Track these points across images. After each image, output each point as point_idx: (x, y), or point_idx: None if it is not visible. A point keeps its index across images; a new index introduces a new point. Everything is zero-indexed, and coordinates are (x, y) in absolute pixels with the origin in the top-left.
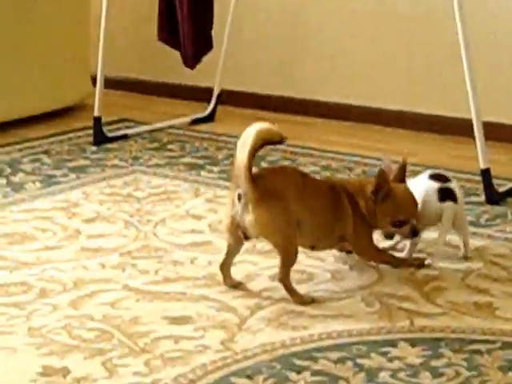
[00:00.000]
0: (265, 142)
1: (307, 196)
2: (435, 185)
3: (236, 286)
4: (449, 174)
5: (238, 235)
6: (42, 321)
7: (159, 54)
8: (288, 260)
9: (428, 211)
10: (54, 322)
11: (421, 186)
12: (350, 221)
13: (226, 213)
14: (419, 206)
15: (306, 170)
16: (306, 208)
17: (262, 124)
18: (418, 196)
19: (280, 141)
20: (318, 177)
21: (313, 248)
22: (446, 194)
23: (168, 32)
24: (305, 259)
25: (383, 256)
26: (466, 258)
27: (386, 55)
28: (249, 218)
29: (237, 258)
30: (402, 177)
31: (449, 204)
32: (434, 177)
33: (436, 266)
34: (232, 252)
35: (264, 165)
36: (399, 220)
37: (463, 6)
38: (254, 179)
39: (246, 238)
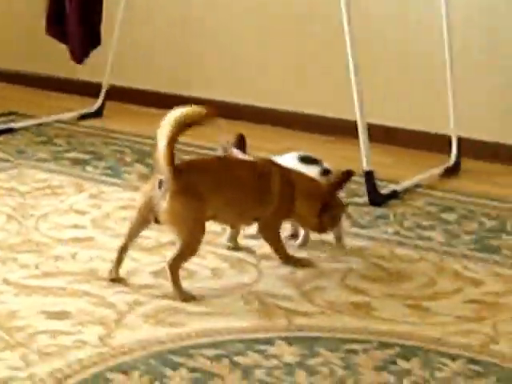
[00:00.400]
0: (184, 125)
1: (225, 187)
2: (315, 169)
3: (117, 280)
4: (315, 156)
5: (147, 217)
6: None
7: (48, 47)
8: (185, 253)
9: None
10: None
11: (295, 168)
12: (272, 206)
13: (144, 193)
14: None
15: None
16: (222, 199)
17: (180, 109)
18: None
19: (202, 119)
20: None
21: (232, 227)
22: (309, 161)
23: (56, 25)
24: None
25: (281, 246)
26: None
27: (277, 57)
28: (164, 206)
29: None
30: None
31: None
32: (304, 160)
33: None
34: (133, 234)
35: None
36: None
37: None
38: (176, 170)
39: (156, 222)
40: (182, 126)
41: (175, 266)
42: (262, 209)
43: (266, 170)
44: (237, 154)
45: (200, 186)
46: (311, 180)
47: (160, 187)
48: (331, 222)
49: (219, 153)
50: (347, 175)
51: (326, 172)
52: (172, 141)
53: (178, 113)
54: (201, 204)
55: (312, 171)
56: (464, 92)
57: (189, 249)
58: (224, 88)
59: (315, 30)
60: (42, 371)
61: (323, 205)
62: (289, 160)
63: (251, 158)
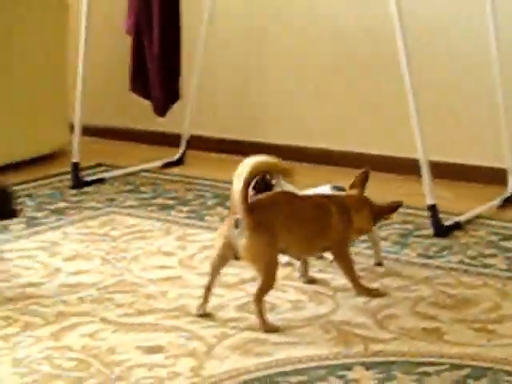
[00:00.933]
0: (259, 172)
1: (294, 223)
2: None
3: (205, 315)
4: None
5: (227, 255)
6: (25, 352)
7: (132, 103)
8: (266, 285)
9: None
10: (37, 352)
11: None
12: (337, 234)
13: (221, 233)
14: None
15: None
16: (291, 234)
17: (257, 157)
18: None
19: (276, 169)
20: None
21: (298, 259)
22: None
23: (139, 83)
24: (270, 291)
25: (354, 274)
26: (379, 264)
27: (334, 100)
28: (242, 243)
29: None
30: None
31: None
32: (337, 188)
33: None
34: (215, 273)
35: None
36: None
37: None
38: (250, 209)
39: (236, 258)
40: (257, 172)
41: (258, 299)
42: (327, 237)
43: (322, 201)
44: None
45: (272, 222)
46: (357, 196)
47: (236, 226)
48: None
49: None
50: (397, 205)
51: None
52: (247, 184)
53: (254, 160)
54: (274, 239)
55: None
56: None
57: (268, 281)
58: (290, 133)
59: (371, 74)
60: None
61: (373, 212)
62: (325, 190)
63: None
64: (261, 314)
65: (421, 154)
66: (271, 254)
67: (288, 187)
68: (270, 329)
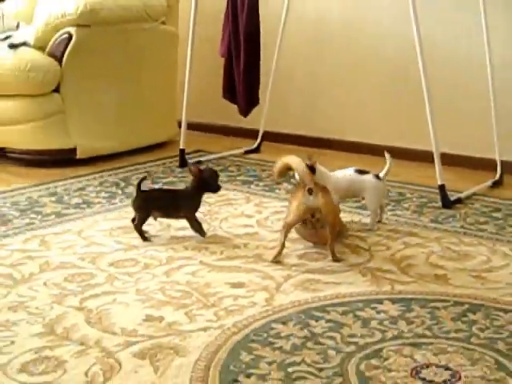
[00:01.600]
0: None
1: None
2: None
3: (276, 262)
4: (364, 169)
5: (305, 216)
6: (145, 285)
7: (224, 107)
8: (335, 232)
9: (353, 185)
10: (154, 285)
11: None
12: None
13: (299, 202)
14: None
15: None
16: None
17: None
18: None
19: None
20: None
21: None
22: (363, 172)
23: (229, 92)
24: (319, 247)
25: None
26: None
27: (376, 104)
28: (321, 203)
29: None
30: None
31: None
32: (358, 171)
33: (373, 228)
34: (289, 231)
35: None
36: None
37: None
38: (316, 181)
39: (313, 216)
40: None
41: (332, 244)
42: None
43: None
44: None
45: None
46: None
47: (310, 193)
48: None
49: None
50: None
51: (359, 171)
52: (306, 167)
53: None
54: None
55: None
56: (506, 124)
57: (336, 228)
58: (344, 130)
59: (401, 85)
60: (229, 323)
61: None
62: (349, 171)
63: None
64: (334, 252)
65: (434, 147)
66: (337, 208)
67: (321, 168)
68: (339, 259)
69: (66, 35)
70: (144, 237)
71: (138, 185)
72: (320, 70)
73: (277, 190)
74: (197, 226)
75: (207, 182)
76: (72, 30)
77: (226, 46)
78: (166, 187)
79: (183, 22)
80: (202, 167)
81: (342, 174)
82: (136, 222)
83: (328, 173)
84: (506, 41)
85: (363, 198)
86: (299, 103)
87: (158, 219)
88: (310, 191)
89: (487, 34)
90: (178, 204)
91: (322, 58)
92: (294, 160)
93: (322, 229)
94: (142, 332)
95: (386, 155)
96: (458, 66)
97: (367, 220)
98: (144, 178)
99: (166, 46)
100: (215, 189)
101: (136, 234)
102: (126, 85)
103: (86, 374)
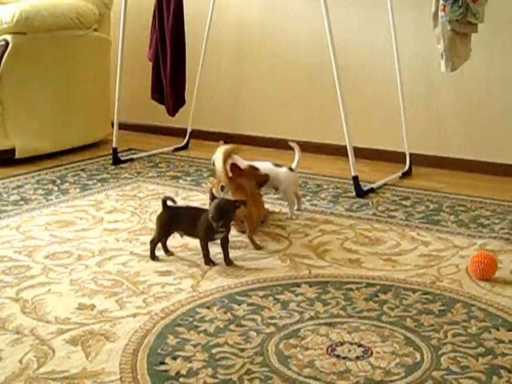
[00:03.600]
0: (229, 154)
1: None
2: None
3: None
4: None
5: None
6: (78, 275)
7: (152, 108)
8: (251, 224)
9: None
10: (86, 275)
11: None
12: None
13: (211, 193)
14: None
15: None
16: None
17: (225, 146)
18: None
19: (235, 151)
20: None
21: None
22: (278, 165)
23: (157, 94)
24: (243, 236)
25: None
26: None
27: (294, 102)
28: None
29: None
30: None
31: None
32: (275, 165)
33: (292, 217)
34: None
35: None
36: None
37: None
38: (230, 179)
39: None
40: (227, 155)
41: (251, 234)
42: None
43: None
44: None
45: (244, 188)
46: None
47: (222, 190)
48: None
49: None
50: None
51: (276, 165)
52: (224, 163)
53: (225, 147)
54: (247, 195)
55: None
56: (413, 123)
57: (251, 221)
58: (267, 126)
59: (316, 84)
60: (157, 309)
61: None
62: (266, 164)
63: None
64: (253, 240)
65: (347, 140)
66: (257, 200)
67: (238, 159)
68: (259, 246)
69: (3, 42)
70: (153, 254)
71: (164, 202)
72: (242, 71)
73: (203, 184)
74: (204, 251)
75: (222, 211)
76: (8, 37)
77: (153, 51)
78: (193, 205)
79: (115, 28)
80: (222, 195)
81: (261, 166)
82: (152, 238)
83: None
84: (413, 39)
85: (277, 189)
86: (224, 103)
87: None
88: (222, 188)
89: (395, 32)
90: (195, 223)
91: (245, 60)
92: (218, 159)
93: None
94: (74, 320)
95: (294, 146)
96: (371, 65)
97: (287, 210)
98: (168, 198)
99: (98, 52)
100: (220, 224)
101: (71, 228)
102: (61, 88)
103: (21, 362)
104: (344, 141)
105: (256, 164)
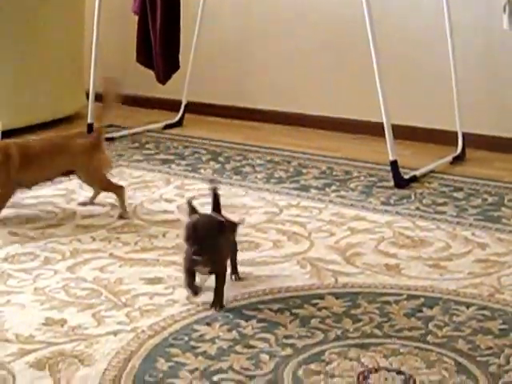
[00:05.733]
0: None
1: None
2: None
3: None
4: None
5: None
6: (45, 283)
7: (138, 73)
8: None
9: None
10: (55, 283)
11: None
12: None
13: None
14: None
15: (253, 163)
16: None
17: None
18: None
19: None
20: None
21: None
22: None
23: (144, 55)
24: (254, 232)
25: None
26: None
27: (317, 69)
28: None
29: None
30: None
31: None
32: None
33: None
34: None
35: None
36: None
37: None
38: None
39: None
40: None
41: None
42: None
43: None
44: None
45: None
46: None
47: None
48: None
49: None
50: None
51: None
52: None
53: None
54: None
55: None
56: (466, 96)
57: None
58: (275, 99)
59: (345, 47)
60: (143, 325)
61: None
62: None
63: None
64: None
65: (384, 116)
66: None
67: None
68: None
69: None
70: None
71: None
72: (251, 28)
73: (201, 170)
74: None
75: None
76: None
77: (139, 1)
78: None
79: None
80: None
81: None
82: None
83: None
84: (464, 4)
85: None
86: (227, 68)
87: None
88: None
89: None
90: None
91: (253, 12)
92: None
93: None
94: (40, 338)
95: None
96: (412, 24)
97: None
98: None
99: (70, 4)
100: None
101: (35, 224)
102: (25, 50)
103: None
104: (380, 117)
105: None
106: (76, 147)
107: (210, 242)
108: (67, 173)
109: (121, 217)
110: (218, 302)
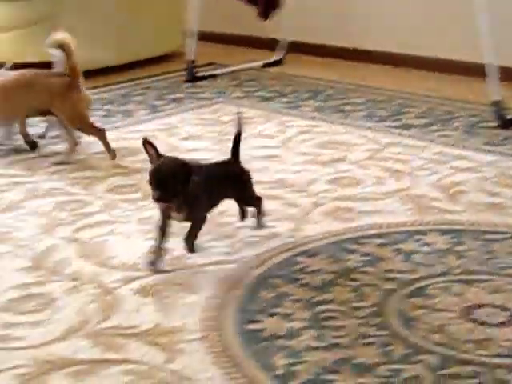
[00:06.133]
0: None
1: None
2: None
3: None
4: None
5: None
6: (149, 213)
7: (239, 11)
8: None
9: None
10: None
11: None
12: None
13: None
14: None
15: (353, 102)
16: None
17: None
18: None
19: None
20: None
21: None
22: None
23: None
24: (356, 169)
25: None
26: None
27: (419, 9)
28: None
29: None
30: None
31: None
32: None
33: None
34: None
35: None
36: None
37: None
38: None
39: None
40: None
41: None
42: None
43: None
44: None
45: None
46: None
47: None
48: None
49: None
50: None
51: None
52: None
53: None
54: None
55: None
56: None
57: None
58: (377, 39)
59: None
60: (247, 255)
61: None
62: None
63: None
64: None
65: (486, 53)
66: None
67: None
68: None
69: None
70: None
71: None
72: None
73: (301, 108)
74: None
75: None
76: None
77: None
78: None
79: None
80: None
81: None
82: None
83: None
84: None
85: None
86: (331, 7)
87: None
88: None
89: None
90: None
91: None
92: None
93: None
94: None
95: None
96: None
97: None
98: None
99: None
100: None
101: (137, 157)
102: None
103: (80, 314)
104: (482, 57)
105: None
106: (51, 85)
107: (175, 188)
108: (45, 112)
109: (112, 158)
110: (187, 247)
